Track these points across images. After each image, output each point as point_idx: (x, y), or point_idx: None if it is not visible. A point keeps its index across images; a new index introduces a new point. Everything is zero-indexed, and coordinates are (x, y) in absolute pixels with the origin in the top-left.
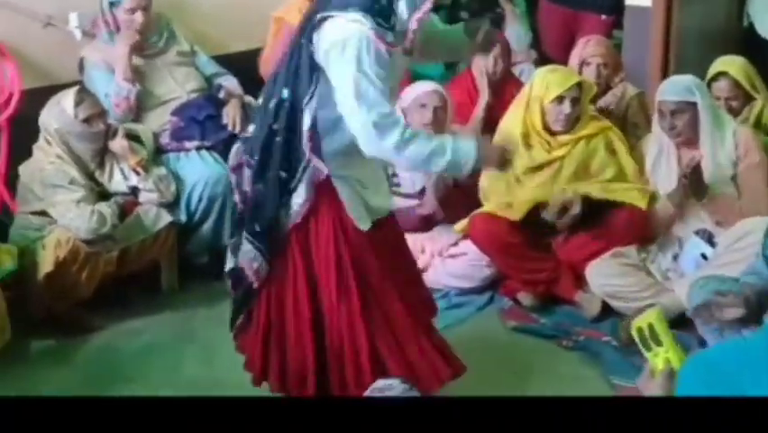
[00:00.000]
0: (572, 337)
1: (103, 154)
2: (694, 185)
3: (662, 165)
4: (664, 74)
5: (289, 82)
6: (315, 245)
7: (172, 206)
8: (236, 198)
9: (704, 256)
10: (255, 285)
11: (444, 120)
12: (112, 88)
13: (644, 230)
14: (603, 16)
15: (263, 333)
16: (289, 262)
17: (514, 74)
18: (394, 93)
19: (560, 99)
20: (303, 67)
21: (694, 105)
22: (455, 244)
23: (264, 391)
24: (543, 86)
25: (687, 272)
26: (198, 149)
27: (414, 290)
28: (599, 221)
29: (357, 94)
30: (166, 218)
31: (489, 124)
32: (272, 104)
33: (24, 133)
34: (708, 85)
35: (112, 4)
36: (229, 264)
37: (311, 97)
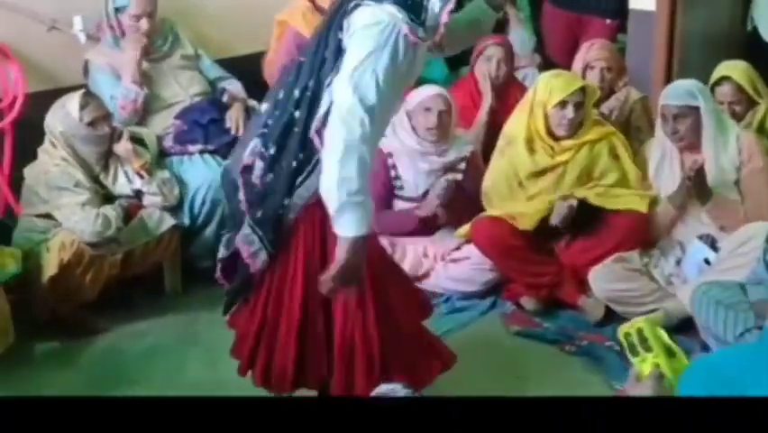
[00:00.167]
0: (575, 342)
1: (107, 157)
2: (698, 188)
3: (665, 169)
4: (668, 78)
5: (314, 71)
6: (329, 241)
7: (176, 209)
8: (240, 196)
9: (707, 261)
10: (252, 270)
11: (449, 124)
12: (117, 92)
13: (646, 234)
14: (607, 20)
15: (258, 326)
16: (291, 258)
17: (517, 78)
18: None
19: (563, 104)
20: (329, 53)
21: (697, 109)
22: (458, 248)
23: (264, 391)
24: (546, 90)
25: (690, 277)
26: (202, 152)
27: (409, 286)
28: (602, 225)
29: (359, 69)
30: (169, 221)
31: (493, 127)
32: (296, 93)
33: (29, 137)
34: (712, 89)
35: (117, 10)
36: (221, 254)
37: (331, 82)
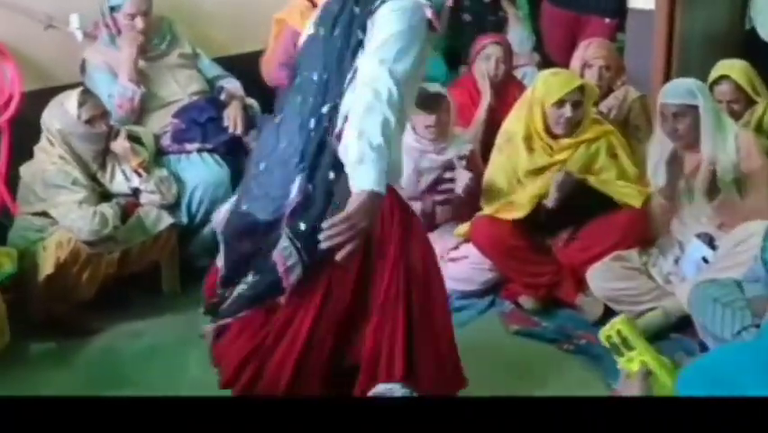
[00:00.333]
0: (574, 341)
1: (104, 155)
2: (707, 184)
3: (663, 168)
4: (667, 77)
5: (341, 83)
6: (376, 249)
7: (173, 207)
8: (285, 224)
9: (705, 260)
10: (284, 284)
11: (447, 122)
12: (114, 90)
13: (644, 232)
14: (606, 19)
15: (254, 343)
16: (318, 283)
17: (516, 77)
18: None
19: (561, 103)
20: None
21: (696, 108)
22: (456, 247)
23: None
24: (544, 89)
25: (688, 276)
26: (199, 151)
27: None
28: (600, 224)
29: (387, 44)
30: (167, 220)
31: (492, 126)
32: (324, 110)
33: (25, 135)
34: (711, 88)
35: (112, 9)
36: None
37: (353, 76)
